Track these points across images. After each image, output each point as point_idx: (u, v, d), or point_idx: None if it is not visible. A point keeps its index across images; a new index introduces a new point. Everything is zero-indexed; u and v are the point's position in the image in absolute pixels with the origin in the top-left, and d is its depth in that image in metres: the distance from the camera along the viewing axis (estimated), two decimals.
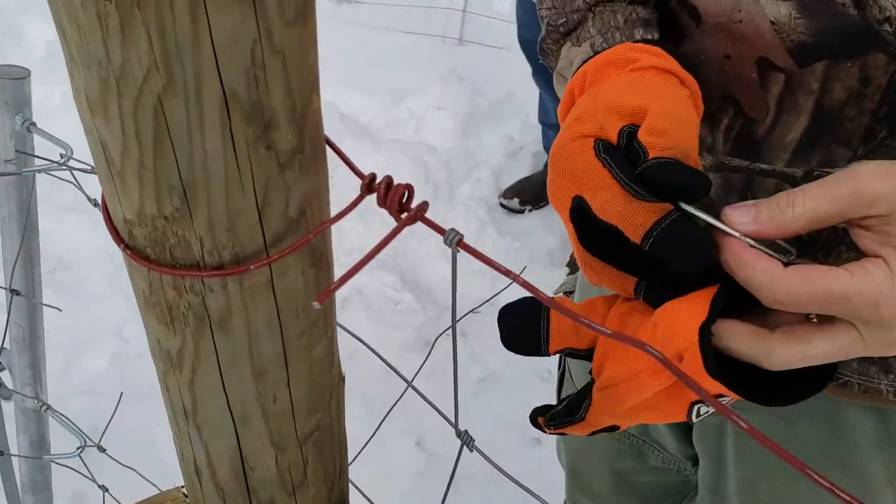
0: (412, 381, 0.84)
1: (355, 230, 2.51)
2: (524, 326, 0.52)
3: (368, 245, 2.78)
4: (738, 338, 0.45)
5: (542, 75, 2.43)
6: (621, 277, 0.47)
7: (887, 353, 0.44)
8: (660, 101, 0.50)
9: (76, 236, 2.44)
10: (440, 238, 0.47)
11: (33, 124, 1.12)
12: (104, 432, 1.24)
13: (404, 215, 0.49)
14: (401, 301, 2.30)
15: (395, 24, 3.79)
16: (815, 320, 0.46)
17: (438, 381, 2.02)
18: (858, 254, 0.44)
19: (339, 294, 2.25)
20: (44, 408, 1.36)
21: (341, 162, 0.53)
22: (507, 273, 0.45)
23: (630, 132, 0.49)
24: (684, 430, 0.90)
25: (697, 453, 0.87)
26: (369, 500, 0.84)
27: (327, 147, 0.52)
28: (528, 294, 0.46)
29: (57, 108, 2.81)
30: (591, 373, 0.51)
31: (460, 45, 3.78)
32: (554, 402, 0.57)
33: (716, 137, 0.67)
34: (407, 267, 2.45)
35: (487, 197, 2.71)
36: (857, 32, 0.56)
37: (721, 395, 0.45)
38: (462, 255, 2.23)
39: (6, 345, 1.32)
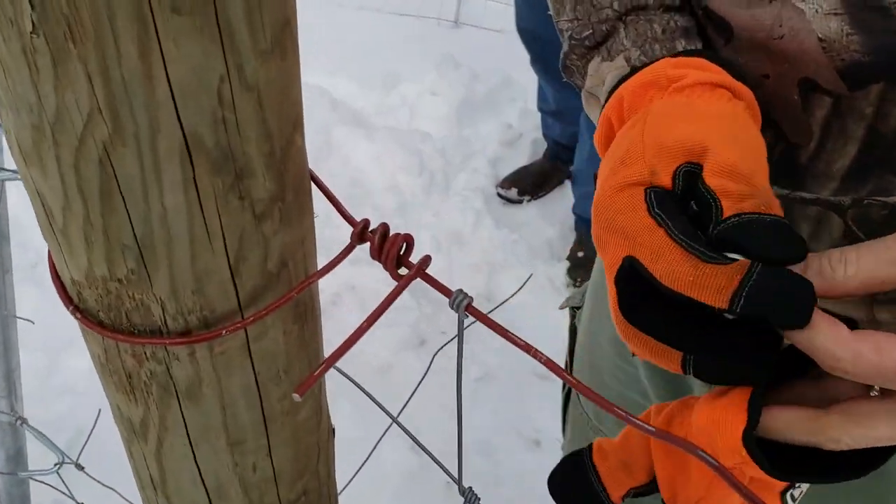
0: (417, 378, 0.77)
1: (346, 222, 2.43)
2: (576, 487, 0.45)
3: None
4: (793, 428, 0.39)
5: (542, 63, 2.34)
6: (666, 351, 0.40)
7: None
8: (719, 127, 0.43)
9: None
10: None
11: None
12: (83, 449, 1.18)
13: (403, 270, 0.42)
14: None
15: (387, 5, 3.69)
16: (877, 394, 0.40)
17: (433, 382, 1.96)
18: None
19: (331, 290, 2.17)
20: (19, 421, 1.30)
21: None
22: (526, 349, 0.38)
23: (688, 171, 0.42)
24: None
25: None
26: None
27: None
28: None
29: None
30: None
31: (456, 27, 3.68)
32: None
33: None
34: None
35: (484, 187, 2.62)
36: None
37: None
38: (457, 246, 2.16)
39: None
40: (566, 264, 2.35)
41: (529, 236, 2.50)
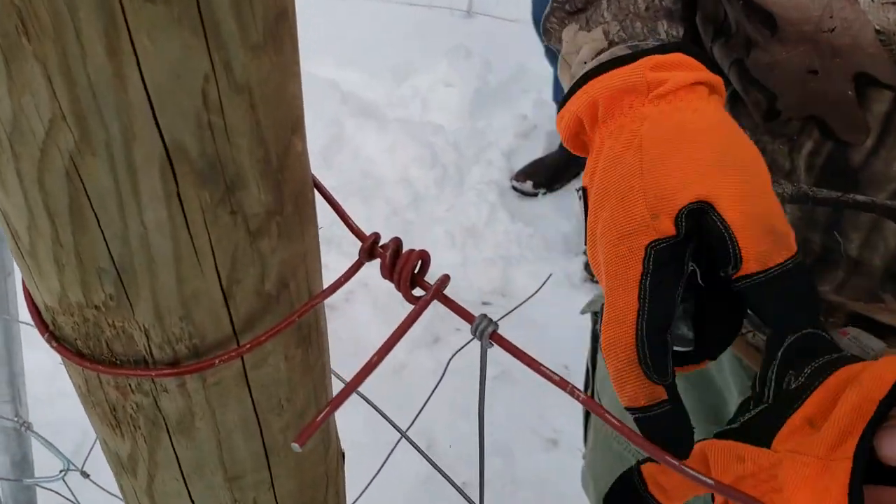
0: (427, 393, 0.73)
1: (357, 216, 2.39)
2: None
3: (375, 230, 2.65)
4: None
5: (556, 54, 2.28)
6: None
7: None
8: (719, 155, 0.42)
9: None
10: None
11: None
12: (88, 455, 1.14)
13: (418, 291, 0.38)
14: None
15: None
16: None
17: (447, 382, 1.91)
18: None
19: (344, 287, 2.13)
20: (24, 427, 1.26)
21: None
22: (561, 384, 0.34)
23: (693, 210, 0.41)
24: None
25: None
26: None
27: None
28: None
29: None
30: None
31: (468, 17, 3.61)
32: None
33: (796, 163, 0.54)
34: None
35: (499, 180, 2.57)
36: None
37: None
38: (471, 240, 2.10)
39: None
40: (583, 259, 2.29)
41: (545, 230, 2.44)
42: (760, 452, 0.37)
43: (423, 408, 1.11)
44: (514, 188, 2.56)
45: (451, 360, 0.94)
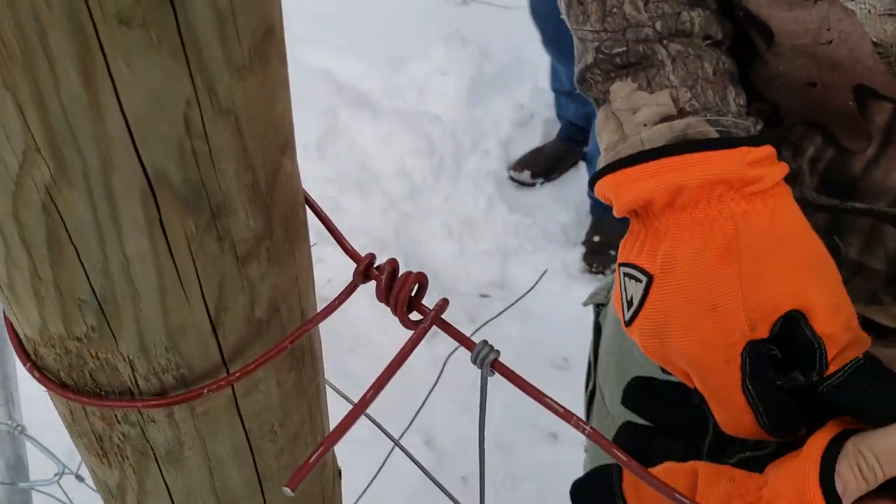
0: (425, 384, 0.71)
1: (353, 208, 2.36)
2: None
3: (370, 223, 2.64)
4: None
5: (556, 44, 2.26)
6: None
7: None
8: (812, 267, 0.44)
9: None
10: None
11: None
12: None
13: (415, 315, 0.36)
14: None
15: None
16: None
17: (445, 377, 1.90)
18: None
19: (340, 280, 2.11)
20: (18, 430, 1.25)
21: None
22: (566, 416, 0.32)
23: (788, 318, 0.43)
24: None
25: None
26: None
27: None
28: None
29: None
30: None
31: (464, 4, 3.57)
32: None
33: (800, 166, 0.53)
34: (410, 248, 2.31)
35: (496, 170, 2.55)
36: None
37: None
38: (469, 232, 2.07)
39: None
40: (582, 249, 2.28)
41: (543, 221, 2.43)
42: (750, 475, 0.40)
43: (420, 408, 1.10)
44: (512, 178, 2.54)
45: (449, 357, 0.93)
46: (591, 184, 0.51)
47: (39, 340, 0.34)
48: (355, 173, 2.48)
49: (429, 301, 0.37)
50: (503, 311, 1.04)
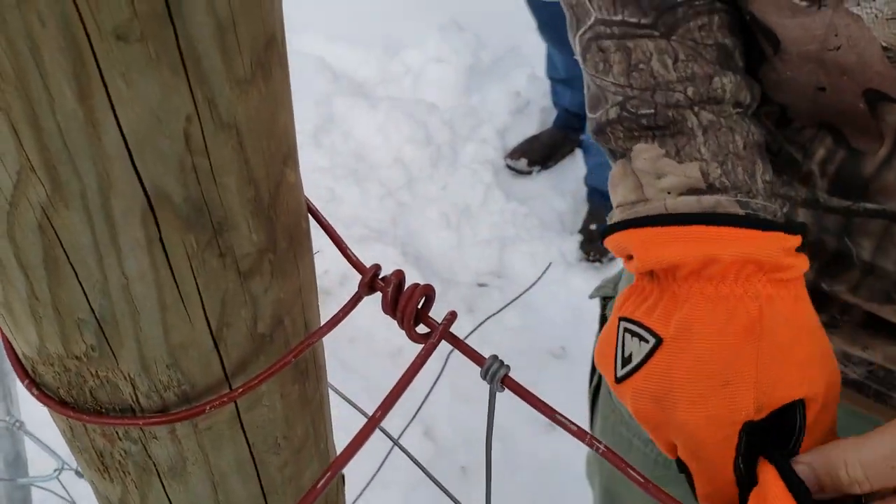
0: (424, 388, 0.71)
1: (350, 197, 2.35)
2: None
3: (368, 211, 2.62)
4: None
5: (551, 31, 2.24)
6: None
7: None
8: (821, 362, 0.45)
9: None
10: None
11: None
12: None
13: (421, 327, 0.35)
14: None
15: None
16: None
17: (446, 367, 1.90)
18: None
19: (339, 270, 2.10)
20: (16, 426, 1.24)
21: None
22: (580, 435, 0.31)
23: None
24: None
25: None
26: None
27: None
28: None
29: None
30: None
31: None
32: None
33: (810, 168, 0.52)
34: (407, 238, 2.30)
35: (493, 158, 2.53)
36: None
37: None
38: (466, 220, 2.06)
39: None
40: (579, 238, 2.27)
41: (540, 209, 2.42)
42: None
43: (422, 405, 1.09)
44: (509, 166, 2.53)
45: (451, 352, 0.92)
46: (604, 234, 0.49)
47: (38, 359, 0.33)
48: (351, 162, 2.46)
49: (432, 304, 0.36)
50: (505, 307, 1.04)
